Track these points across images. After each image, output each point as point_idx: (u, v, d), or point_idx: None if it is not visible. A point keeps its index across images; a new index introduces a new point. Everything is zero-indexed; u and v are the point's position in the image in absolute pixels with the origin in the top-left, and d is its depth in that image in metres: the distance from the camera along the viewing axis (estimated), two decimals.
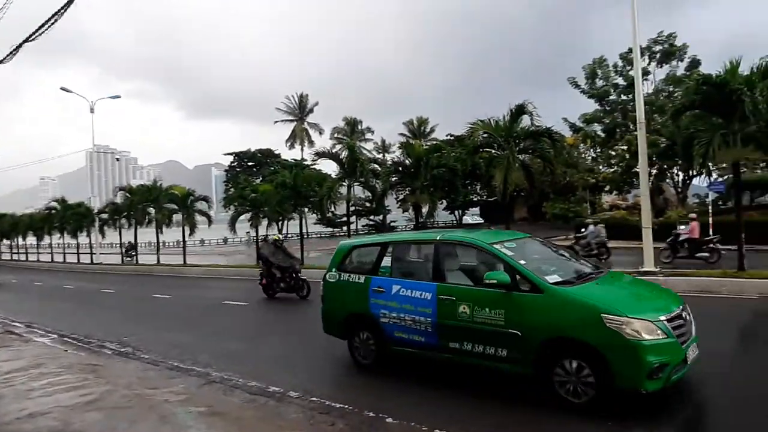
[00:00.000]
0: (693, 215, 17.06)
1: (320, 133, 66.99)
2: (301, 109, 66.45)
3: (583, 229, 19.35)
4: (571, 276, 5.64)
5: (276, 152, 66.51)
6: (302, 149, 65.15)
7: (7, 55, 10.67)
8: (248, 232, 33.30)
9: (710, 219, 20.85)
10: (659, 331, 4.70)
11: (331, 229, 60.60)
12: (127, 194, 31.58)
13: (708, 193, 24.37)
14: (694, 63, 30.02)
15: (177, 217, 28.95)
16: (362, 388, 6.24)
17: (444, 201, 43.22)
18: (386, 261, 6.62)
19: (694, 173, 27.87)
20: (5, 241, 51.34)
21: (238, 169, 66.24)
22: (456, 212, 59.27)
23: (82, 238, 38.53)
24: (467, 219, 10.26)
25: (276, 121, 66.81)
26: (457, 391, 5.86)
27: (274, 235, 14.96)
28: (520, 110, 14.52)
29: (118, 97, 38.10)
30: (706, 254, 15.09)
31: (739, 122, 10.87)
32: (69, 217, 35.90)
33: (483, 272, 5.71)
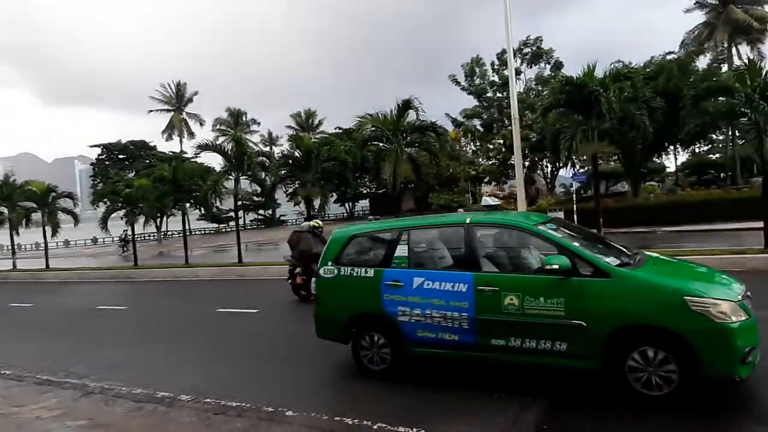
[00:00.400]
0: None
1: (201, 124, 63.42)
2: (178, 99, 62.28)
3: None
4: (623, 258, 5.10)
5: (151, 144, 61.80)
6: (181, 141, 61.33)
7: None
8: (126, 230, 30.74)
9: (574, 206, 23.36)
10: (742, 312, 4.37)
11: (216, 225, 57.97)
12: None
13: (572, 183, 27.23)
14: (558, 65, 33.29)
15: (36, 216, 25.71)
16: (259, 384, 6.13)
17: (334, 194, 43.51)
18: (400, 250, 5.71)
19: (561, 165, 30.96)
20: None
21: (107, 163, 60.44)
22: (347, 204, 59.91)
23: None
24: (487, 200, 10.06)
25: (150, 111, 62.03)
26: (357, 376, 5.99)
27: (313, 221, 11.90)
28: (406, 105, 15.04)
29: None
30: None
31: (597, 119, 12.31)
32: None
33: (526, 257, 5.38)
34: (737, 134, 11.26)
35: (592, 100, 11.79)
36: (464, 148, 36.72)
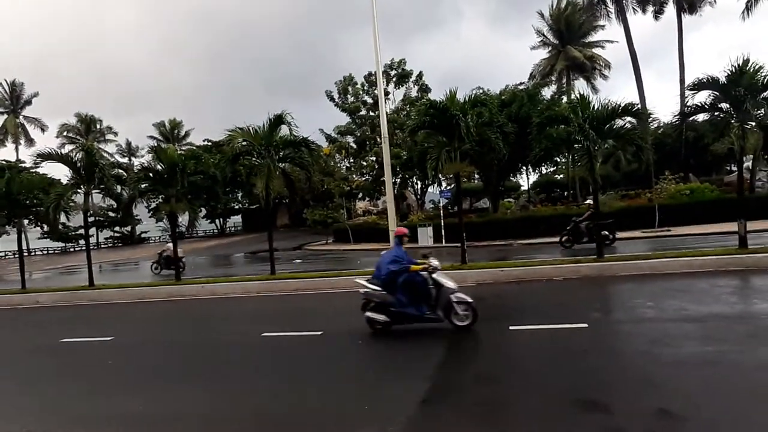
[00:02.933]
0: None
1: (43, 130, 55.99)
2: (13, 100, 54.50)
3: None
4: None
5: None
6: (17, 148, 53.69)
7: None
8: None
9: (442, 221, 24.83)
10: None
11: (63, 244, 51.45)
12: None
13: (440, 199, 28.95)
14: (424, 87, 35.31)
15: None
16: (109, 417, 5.49)
17: (203, 209, 41.21)
18: None
19: (429, 183, 32.72)
20: None
21: None
22: (218, 220, 57.06)
23: None
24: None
25: None
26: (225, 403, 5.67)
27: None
28: (278, 120, 14.80)
29: None
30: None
31: (458, 141, 13.24)
32: None
33: None
34: (575, 158, 12.91)
35: (453, 124, 12.69)
36: (338, 165, 37.18)
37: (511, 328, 7.72)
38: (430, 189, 37.50)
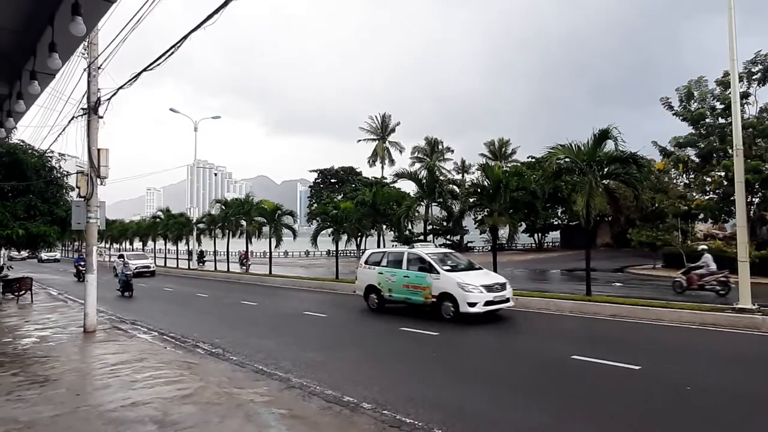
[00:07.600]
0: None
1: (400, 152, 68.51)
2: (383, 129, 68.24)
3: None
4: None
5: (357, 170, 68.69)
6: (383, 167, 66.78)
7: (127, 82, 11.96)
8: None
9: None
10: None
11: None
12: (222, 206, 34.04)
13: None
14: None
15: (265, 229, 30.79)
16: (434, 405, 6.40)
17: (523, 223, 42.37)
18: None
19: None
20: (115, 245, 56.95)
21: (321, 186, 69.13)
22: (536, 235, 57.72)
23: (181, 245, 42.06)
24: None
25: (359, 140, 69.13)
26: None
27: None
28: (603, 135, 14.13)
29: (218, 117, 41.53)
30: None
31: None
32: (171, 226, 39.25)
33: None
34: None
35: None
36: (674, 181, 32.23)
37: None
38: None
